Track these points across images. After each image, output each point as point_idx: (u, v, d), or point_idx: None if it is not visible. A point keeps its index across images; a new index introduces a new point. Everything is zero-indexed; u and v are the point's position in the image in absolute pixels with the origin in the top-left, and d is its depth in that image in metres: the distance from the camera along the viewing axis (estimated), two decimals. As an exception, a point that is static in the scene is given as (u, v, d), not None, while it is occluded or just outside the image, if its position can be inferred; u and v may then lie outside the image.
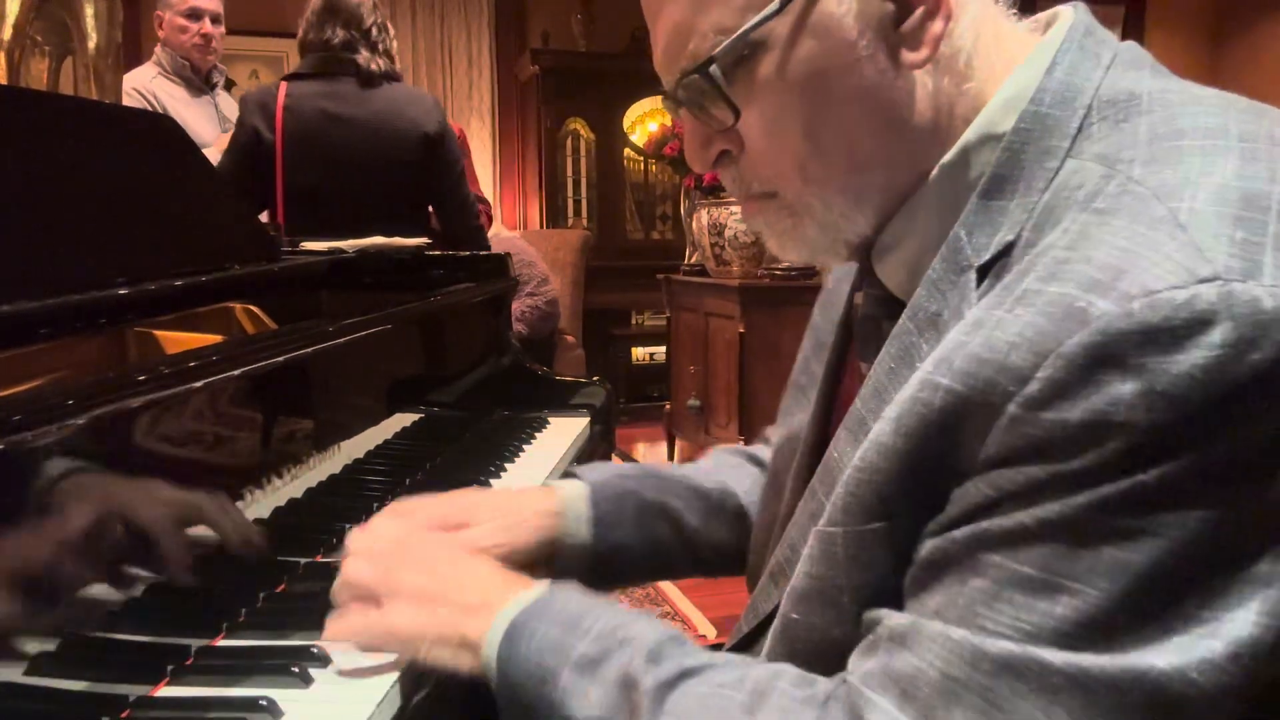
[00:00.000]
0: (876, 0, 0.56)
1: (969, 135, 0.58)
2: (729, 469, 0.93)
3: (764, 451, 0.97)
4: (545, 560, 0.81)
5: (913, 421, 0.51)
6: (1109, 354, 0.44)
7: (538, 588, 0.66)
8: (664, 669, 0.57)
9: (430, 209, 2.58)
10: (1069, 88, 0.56)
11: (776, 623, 0.62)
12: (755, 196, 0.63)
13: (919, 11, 0.56)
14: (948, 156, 0.59)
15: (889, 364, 0.59)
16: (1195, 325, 0.44)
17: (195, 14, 2.90)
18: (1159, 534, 0.45)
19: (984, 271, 0.55)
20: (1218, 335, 0.43)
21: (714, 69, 0.58)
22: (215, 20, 2.95)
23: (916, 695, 0.48)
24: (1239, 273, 0.44)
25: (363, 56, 2.38)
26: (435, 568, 0.69)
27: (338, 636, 0.67)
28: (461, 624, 0.64)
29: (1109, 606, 0.45)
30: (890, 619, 0.52)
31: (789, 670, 0.57)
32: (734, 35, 0.56)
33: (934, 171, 0.59)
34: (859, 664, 0.53)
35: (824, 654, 0.57)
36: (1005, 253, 0.54)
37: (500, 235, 4.12)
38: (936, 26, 0.56)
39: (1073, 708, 0.45)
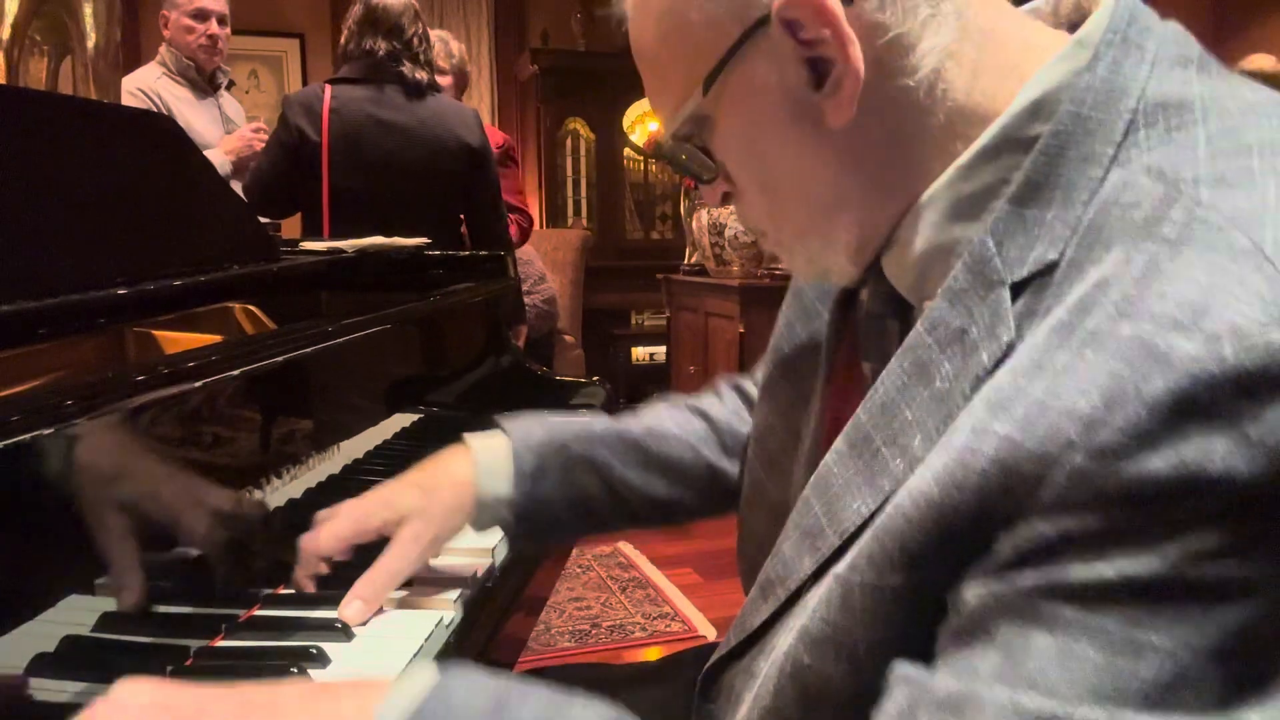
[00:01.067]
0: (791, 72, 0.56)
1: (987, 138, 0.55)
2: (669, 421, 0.91)
3: (712, 404, 0.96)
4: (459, 522, 0.81)
5: (958, 472, 0.46)
6: (1199, 402, 0.40)
7: (414, 681, 0.49)
8: None
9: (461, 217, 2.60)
10: (1112, 87, 0.52)
11: (786, 662, 0.57)
12: (754, 233, 0.69)
13: (833, 76, 0.55)
14: (963, 159, 0.56)
15: (901, 379, 0.55)
16: None
17: (202, 14, 2.90)
18: (1251, 588, 0.41)
19: (1018, 289, 0.52)
20: None
21: (671, 144, 0.63)
22: (222, 21, 2.95)
23: None
24: None
25: (406, 67, 2.40)
26: (236, 712, 0.51)
27: None
28: None
29: (1199, 668, 0.41)
30: (936, 681, 0.46)
31: None
32: (680, 114, 0.61)
33: (946, 173, 0.57)
34: None
35: (839, 705, 0.54)
36: (1046, 271, 0.51)
37: None
38: (847, 89, 0.54)
39: None
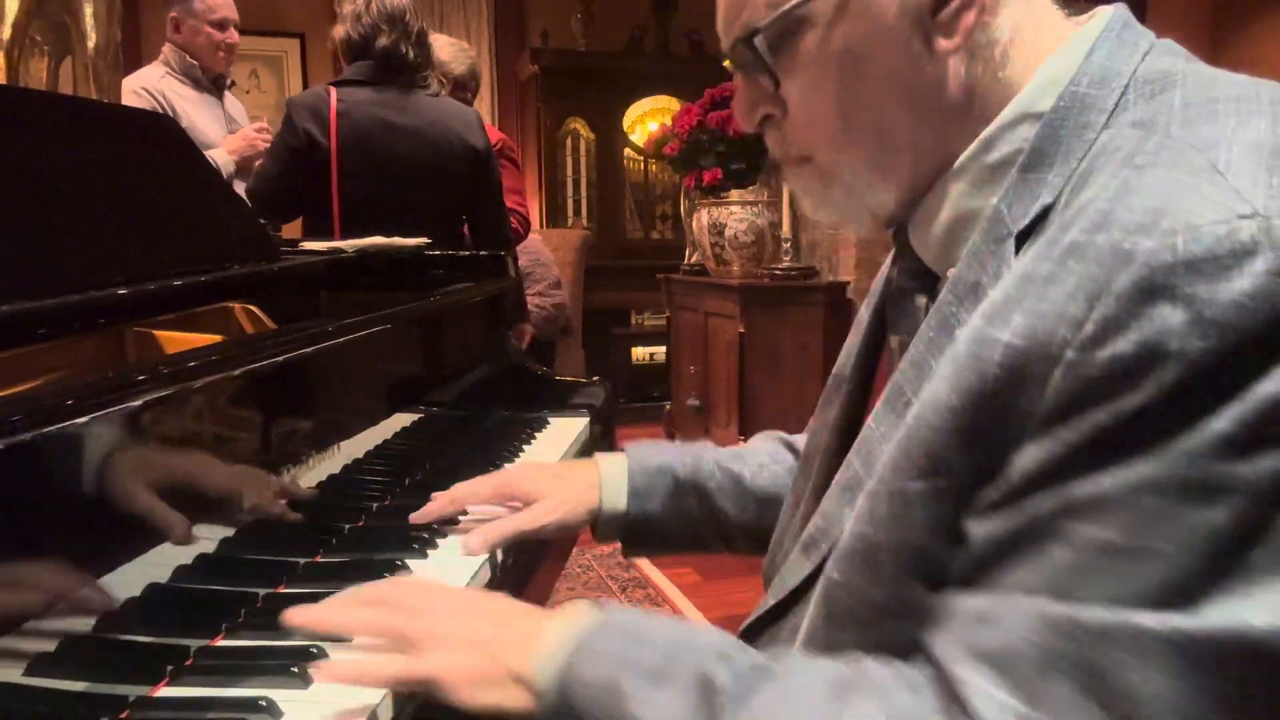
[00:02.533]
0: None
1: (1006, 114, 0.61)
2: (765, 454, 0.98)
3: (799, 438, 1.00)
4: (589, 527, 0.94)
5: (971, 378, 0.51)
6: (1156, 286, 0.45)
7: (578, 608, 0.64)
8: (738, 667, 0.56)
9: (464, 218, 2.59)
10: (1108, 70, 0.59)
11: (820, 585, 0.62)
12: (793, 159, 0.68)
13: (954, 2, 0.59)
14: (986, 132, 0.61)
15: (928, 335, 0.60)
16: (1239, 255, 0.45)
17: (223, 24, 2.90)
18: (1238, 486, 0.45)
19: (1022, 238, 0.57)
20: (1260, 264, 0.44)
21: (759, 40, 0.63)
22: (235, 29, 2.96)
23: (1013, 670, 0.48)
24: (1276, 211, 0.46)
25: (412, 67, 2.39)
26: (466, 610, 0.67)
27: (377, 681, 0.64)
28: (505, 658, 0.62)
29: (1199, 565, 0.45)
30: (963, 598, 0.52)
31: (865, 658, 0.56)
32: (781, 10, 0.62)
33: (972, 145, 0.61)
34: (940, 646, 0.52)
35: (861, 618, 0.57)
36: (1043, 216, 0.56)
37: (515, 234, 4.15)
38: (970, 17, 0.59)
39: (1173, 669, 0.45)
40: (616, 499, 0.93)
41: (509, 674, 0.61)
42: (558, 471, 0.96)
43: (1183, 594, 0.45)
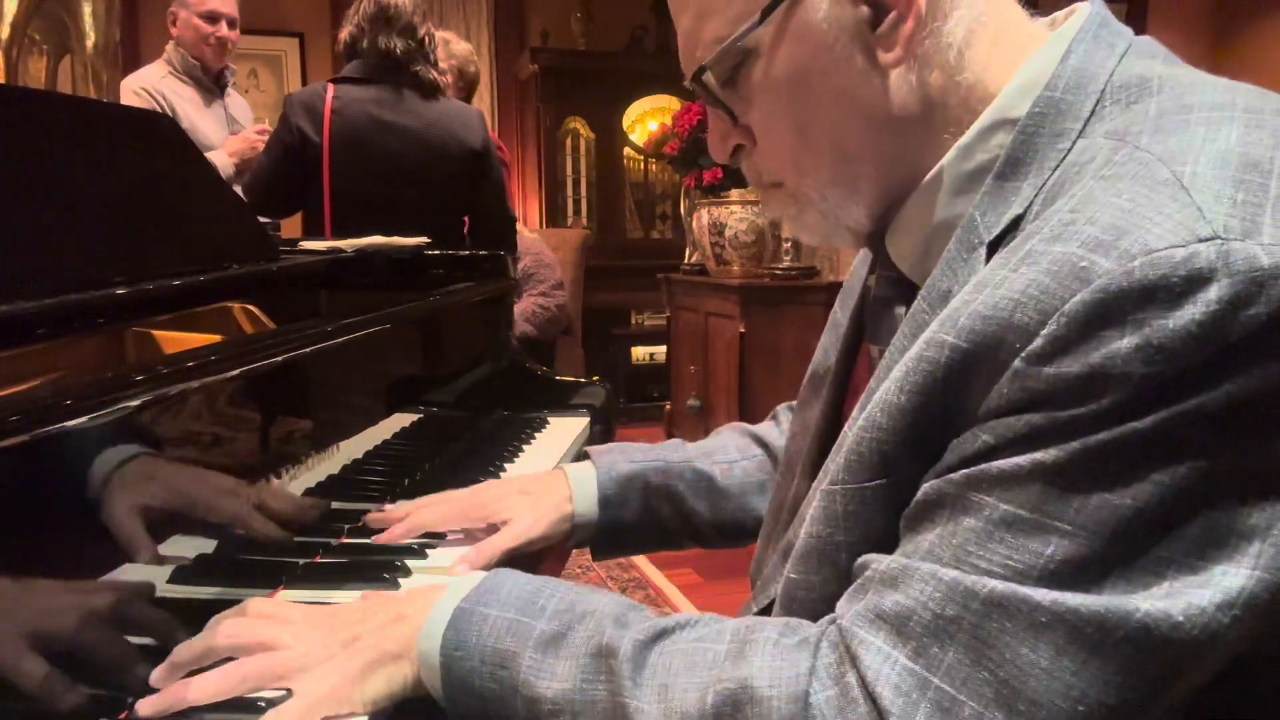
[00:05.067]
0: (850, 7, 0.60)
1: (983, 120, 0.61)
2: (733, 448, 1.00)
3: (770, 431, 1.03)
4: (561, 540, 0.94)
5: (918, 379, 0.52)
6: (1109, 311, 0.46)
7: (472, 577, 0.64)
8: (636, 631, 0.57)
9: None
10: (1083, 74, 0.59)
11: (780, 585, 0.63)
12: (767, 186, 0.69)
13: (891, 15, 0.59)
14: (963, 140, 0.61)
15: (903, 344, 0.60)
16: (1193, 282, 0.45)
17: (213, 17, 2.88)
18: (1150, 480, 0.46)
19: (993, 247, 0.57)
20: (1214, 292, 0.44)
21: (708, 76, 0.64)
22: (231, 24, 2.94)
23: (909, 633, 0.50)
24: (1238, 232, 0.46)
25: (419, 67, 2.38)
26: (321, 622, 0.64)
27: None
28: (382, 643, 0.62)
29: (1098, 549, 0.46)
30: (880, 562, 0.54)
31: (769, 620, 0.58)
32: (724, 45, 0.62)
33: (949, 154, 0.62)
34: (848, 606, 0.54)
35: (820, 613, 0.58)
36: (1014, 226, 0.57)
37: (522, 235, 4.16)
38: (907, 27, 0.59)
39: (1059, 645, 0.46)
40: (589, 509, 0.94)
41: (387, 655, 0.61)
42: (526, 488, 0.96)
43: (1077, 573, 0.47)
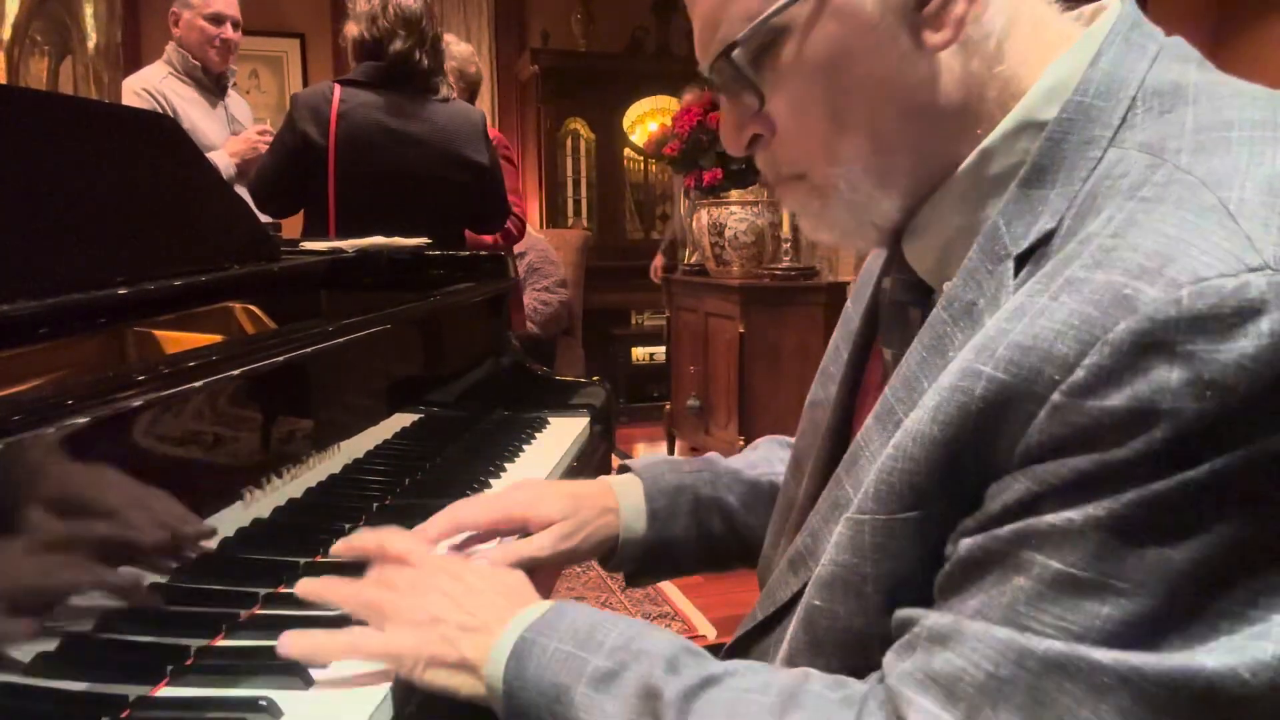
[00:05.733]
0: None
1: (1008, 122, 0.58)
2: (777, 462, 0.94)
3: None
4: (603, 557, 0.87)
5: (952, 410, 0.50)
6: (1156, 341, 0.44)
7: (540, 605, 0.65)
8: (685, 677, 0.56)
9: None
10: (1114, 79, 0.56)
11: (800, 609, 0.61)
12: (786, 179, 0.65)
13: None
14: (987, 142, 0.58)
15: (921, 354, 0.58)
16: (1245, 313, 0.43)
17: (218, 19, 2.88)
18: (1206, 531, 0.44)
19: (1022, 260, 0.55)
20: (1266, 324, 0.42)
21: (738, 54, 0.60)
22: (235, 26, 2.93)
23: (960, 695, 0.48)
24: None
25: (426, 71, 2.37)
26: (445, 587, 0.68)
27: (330, 655, 0.66)
28: (460, 644, 0.63)
29: (1157, 606, 0.44)
30: (927, 618, 0.51)
31: (816, 673, 0.56)
32: (758, 20, 0.58)
33: (971, 156, 0.59)
34: (895, 664, 0.52)
35: (845, 644, 0.57)
36: (1045, 241, 0.54)
37: (528, 234, 4.18)
38: (959, 7, 0.56)
39: (1123, 707, 0.44)
40: (635, 524, 0.86)
41: (461, 660, 0.63)
42: (567, 492, 0.86)
43: (1139, 632, 0.44)
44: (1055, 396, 0.46)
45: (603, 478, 0.91)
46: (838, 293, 3.49)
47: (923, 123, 0.59)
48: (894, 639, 0.54)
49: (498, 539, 0.86)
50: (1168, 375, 0.43)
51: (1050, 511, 0.46)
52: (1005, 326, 0.49)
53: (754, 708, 0.54)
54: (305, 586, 0.71)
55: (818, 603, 0.59)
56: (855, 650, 0.57)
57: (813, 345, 3.26)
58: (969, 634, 0.48)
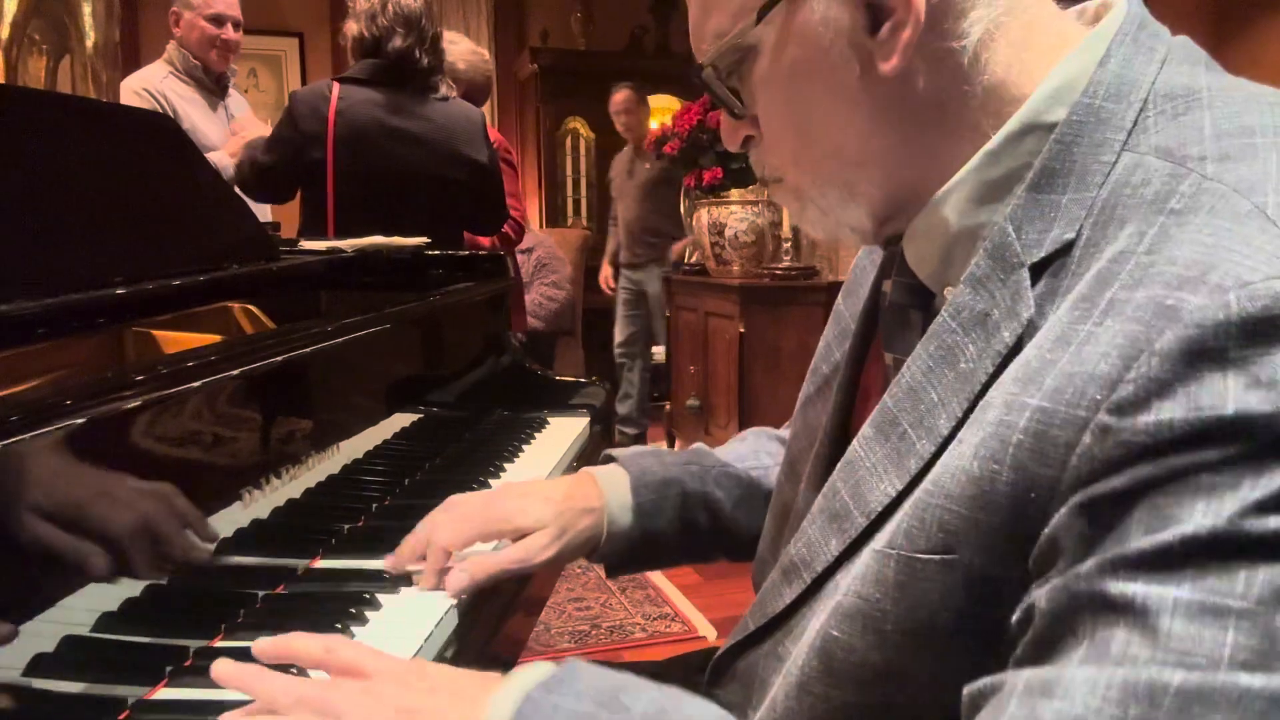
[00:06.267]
0: (848, 10, 0.57)
1: (1012, 124, 0.57)
2: (765, 455, 0.94)
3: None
4: (589, 551, 0.85)
5: (994, 445, 0.48)
6: (1207, 348, 0.42)
7: (546, 665, 0.57)
8: None
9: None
10: (1123, 81, 0.55)
11: (816, 638, 0.58)
12: (770, 180, 0.67)
13: (889, 23, 0.56)
14: (990, 144, 0.57)
15: (927, 362, 0.57)
16: None
17: (219, 20, 2.88)
18: None
19: (1038, 270, 0.54)
20: None
21: (709, 72, 0.63)
22: (236, 26, 2.93)
23: None
24: None
25: (426, 70, 2.36)
26: (400, 678, 0.60)
27: None
28: (449, 715, 0.56)
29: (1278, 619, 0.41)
30: (1021, 674, 0.45)
31: None
32: (726, 40, 0.61)
33: (975, 158, 0.58)
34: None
35: (861, 679, 0.55)
36: (1063, 251, 0.53)
37: (532, 230, 4.20)
38: (905, 35, 0.56)
39: None
40: (620, 519, 0.85)
41: None
42: (549, 495, 0.85)
43: (1269, 653, 0.40)
44: (1101, 417, 0.43)
45: (586, 470, 0.89)
46: (837, 293, 3.48)
47: (889, 138, 0.59)
48: (971, 712, 0.48)
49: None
50: (1224, 383, 0.41)
51: (1136, 536, 0.42)
52: (1050, 356, 0.48)
53: None
54: (223, 669, 0.60)
55: (836, 634, 0.56)
56: (870, 685, 0.55)
57: (813, 345, 3.24)
58: (1080, 680, 0.42)
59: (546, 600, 1.08)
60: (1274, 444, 0.41)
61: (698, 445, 0.96)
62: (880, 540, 0.55)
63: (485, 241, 2.97)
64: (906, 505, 0.54)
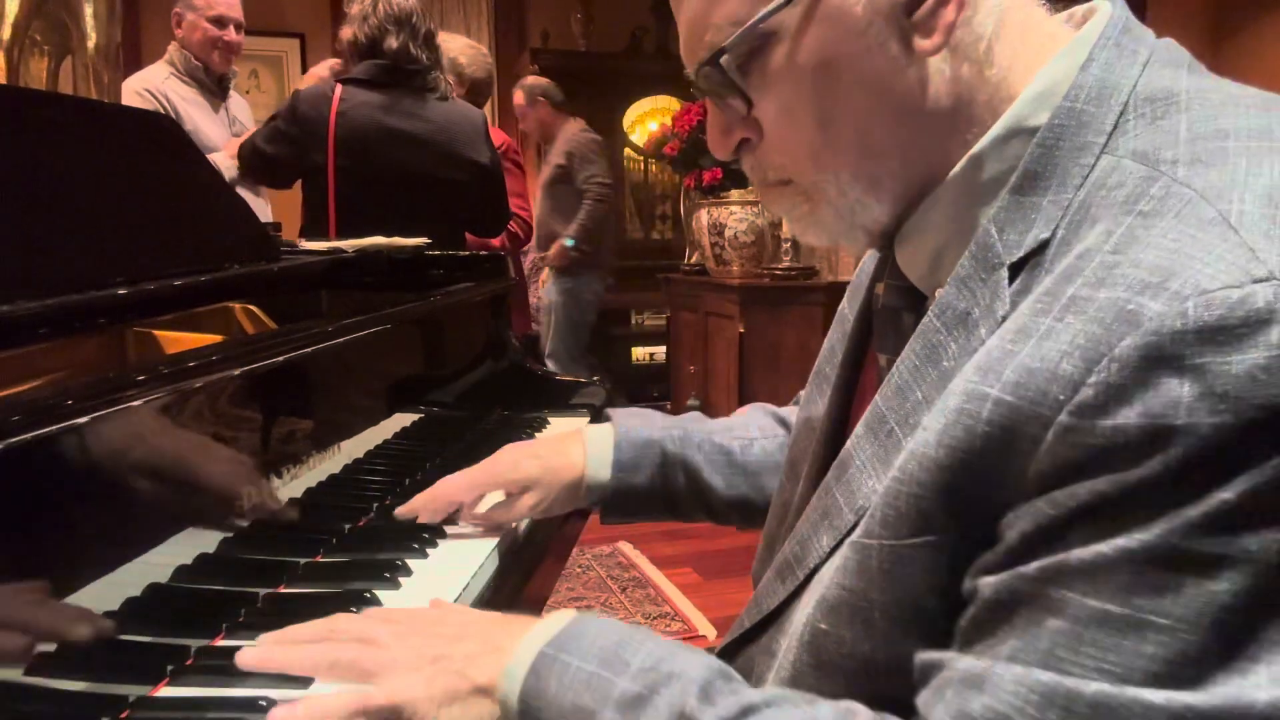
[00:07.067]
0: None
1: (998, 128, 0.57)
2: (754, 428, 0.98)
3: (791, 412, 1.00)
4: (573, 505, 0.95)
5: (958, 433, 0.49)
6: (1164, 355, 0.43)
7: (559, 618, 0.60)
8: (722, 708, 0.53)
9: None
10: (1105, 84, 0.55)
11: (804, 630, 0.60)
12: (772, 184, 0.65)
13: (926, 4, 0.56)
14: (977, 148, 0.58)
15: (913, 361, 0.58)
16: (1253, 324, 0.42)
17: (221, 21, 2.88)
18: (1242, 558, 0.42)
19: (1016, 269, 0.54)
20: (1276, 334, 0.42)
21: (726, 59, 0.59)
22: (238, 28, 2.93)
23: None
24: None
25: (424, 69, 2.37)
26: (420, 630, 0.63)
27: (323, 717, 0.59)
28: (471, 672, 0.59)
29: (1201, 640, 0.43)
30: (958, 662, 0.49)
31: (862, 709, 0.53)
32: (746, 26, 0.58)
33: (961, 162, 0.58)
34: (930, 708, 0.50)
35: (851, 670, 0.56)
36: (1039, 250, 0.54)
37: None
38: (949, 13, 0.55)
39: None
40: (600, 473, 0.93)
41: (473, 687, 0.59)
42: (539, 452, 0.95)
43: (1185, 669, 0.43)
44: (1063, 418, 0.45)
45: (578, 429, 0.98)
46: (837, 292, 3.48)
47: (912, 127, 0.58)
48: (919, 682, 0.52)
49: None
50: (1179, 390, 0.42)
51: (1078, 545, 0.45)
52: (1010, 348, 0.49)
53: None
54: (248, 656, 0.63)
55: (824, 627, 0.58)
56: (861, 675, 0.55)
57: (813, 345, 3.26)
58: (1008, 678, 0.46)
59: (547, 599, 1.09)
60: (1216, 460, 0.42)
61: (693, 413, 1.02)
62: (858, 532, 0.56)
63: (495, 242, 2.96)
64: (880, 495, 0.55)
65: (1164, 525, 0.43)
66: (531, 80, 4.27)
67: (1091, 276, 0.47)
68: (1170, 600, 0.43)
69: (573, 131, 4.11)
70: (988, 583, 0.49)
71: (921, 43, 0.56)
